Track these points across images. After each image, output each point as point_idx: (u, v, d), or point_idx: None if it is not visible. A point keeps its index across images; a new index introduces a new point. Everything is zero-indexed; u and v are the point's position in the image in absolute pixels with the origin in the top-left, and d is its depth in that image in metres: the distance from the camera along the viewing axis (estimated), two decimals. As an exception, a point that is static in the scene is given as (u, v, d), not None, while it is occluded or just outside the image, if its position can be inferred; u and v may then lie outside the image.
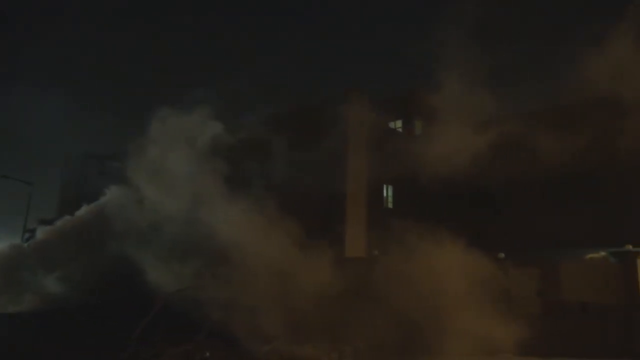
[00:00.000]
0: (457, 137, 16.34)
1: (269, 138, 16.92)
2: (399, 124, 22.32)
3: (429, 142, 17.13)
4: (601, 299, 14.28)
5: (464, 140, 16.26)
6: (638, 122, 15.39)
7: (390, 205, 20.71)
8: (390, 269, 13.79)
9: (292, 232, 13.69)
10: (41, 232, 21.87)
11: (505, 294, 14.51)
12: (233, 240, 13.10)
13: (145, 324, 11.97)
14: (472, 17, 15.65)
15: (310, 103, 19.56)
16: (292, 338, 12.53)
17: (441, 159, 16.22)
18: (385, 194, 20.41)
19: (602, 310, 14.26)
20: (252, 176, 15.66)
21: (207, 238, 13.35)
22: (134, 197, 15.46)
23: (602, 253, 15.16)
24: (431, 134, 17.64)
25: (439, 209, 18.21)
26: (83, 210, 21.13)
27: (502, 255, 15.41)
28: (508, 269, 15.06)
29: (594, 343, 13.88)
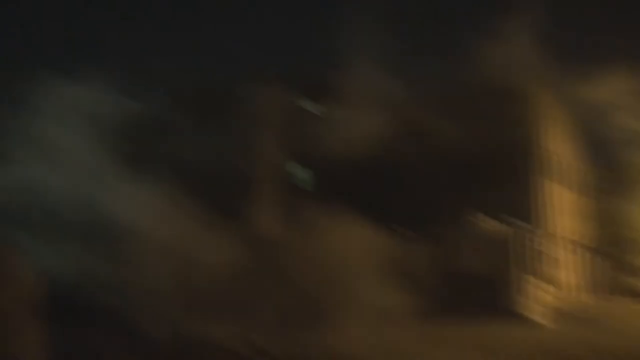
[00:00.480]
0: (365, 118, 17.02)
1: (176, 117, 16.71)
2: (309, 105, 22.76)
3: (339, 123, 17.73)
4: (493, 269, 15.52)
5: (372, 122, 16.96)
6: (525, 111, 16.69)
7: (301, 185, 21.12)
8: (295, 247, 14.18)
9: (196, 213, 13.61)
10: None
11: (404, 266, 15.32)
12: (131, 221, 12.76)
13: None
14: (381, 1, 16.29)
15: (220, 83, 19.45)
16: (196, 320, 12.43)
17: (350, 139, 16.85)
18: (295, 175, 20.77)
19: (493, 278, 15.55)
20: (156, 156, 15.40)
21: (104, 219, 12.95)
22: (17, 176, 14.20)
23: (497, 224, 16.50)
24: (341, 116, 18.22)
25: (347, 187, 18.94)
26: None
27: (401, 228, 16.31)
28: (409, 242, 15.95)
29: (485, 308, 15.08)
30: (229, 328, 12.39)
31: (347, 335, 12.26)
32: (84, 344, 11.12)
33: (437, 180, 18.54)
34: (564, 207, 19.93)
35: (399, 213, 17.76)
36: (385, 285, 14.20)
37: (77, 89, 13.92)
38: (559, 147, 20.04)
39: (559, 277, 17.90)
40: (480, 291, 15.40)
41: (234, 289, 13.18)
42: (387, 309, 13.94)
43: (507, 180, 18.11)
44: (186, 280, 13.13)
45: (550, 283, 16.61)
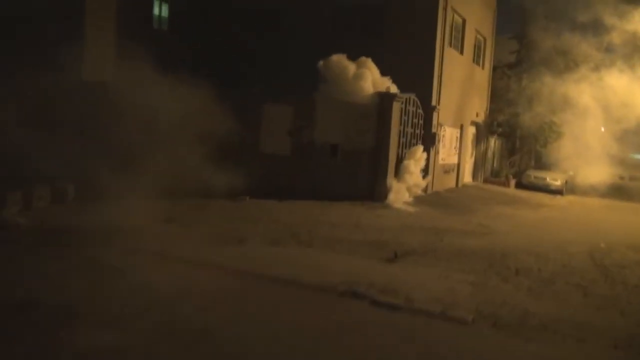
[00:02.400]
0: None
1: None
2: None
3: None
4: (354, 141, 14.88)
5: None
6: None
7: (163, 26, 19.53)
8: (121, 97, 12.50)
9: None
10: None
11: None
12: None
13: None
14: None
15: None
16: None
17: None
18: (156, 12, 19.04)
19: (353, 152, 14.89)
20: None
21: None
22: None
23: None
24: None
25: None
26: None
27: (254, 89, 15.30)
28: (262, 106, 14.94)
29: (343, 187, 14.71)
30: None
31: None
32: None
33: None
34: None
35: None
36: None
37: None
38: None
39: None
40: (341, 170, 14.76)
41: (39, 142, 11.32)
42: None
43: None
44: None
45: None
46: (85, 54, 15.27)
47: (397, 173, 15.59)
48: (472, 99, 22.57)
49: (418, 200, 15.95)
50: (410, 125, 16.81)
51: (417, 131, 17.32)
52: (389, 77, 15.80)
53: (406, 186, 15.71)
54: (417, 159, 16.16)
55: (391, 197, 14.79)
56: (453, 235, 11.74)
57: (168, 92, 12.50)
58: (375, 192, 14.93)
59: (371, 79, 15.26)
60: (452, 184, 21.12)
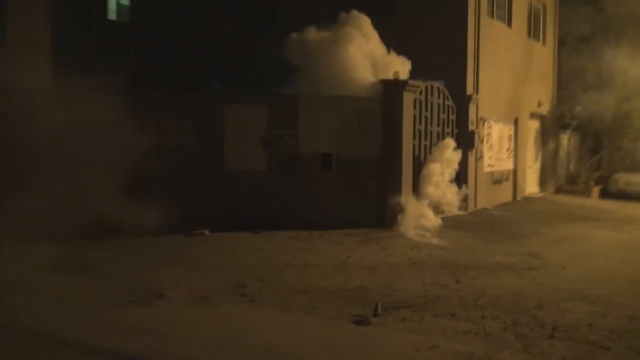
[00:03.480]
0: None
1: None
2: None
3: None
4: (354, 148, 13.31)
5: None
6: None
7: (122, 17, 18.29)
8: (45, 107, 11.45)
9: None
10: None
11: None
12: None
13: None
14: None
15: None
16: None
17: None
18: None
19: (353, 163, 13.32)
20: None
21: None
22: None
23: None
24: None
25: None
26: None
27: (215, 84, 13.88)
28: (222, 108, 13.34)
29: (341, 211, 13.03)
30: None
31: None
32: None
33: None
34: None
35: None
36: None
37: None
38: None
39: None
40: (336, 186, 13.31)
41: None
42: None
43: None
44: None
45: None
46: (9, 55, 14.26)
47: (416, 186, 13.69)
48: (530, 84, 20.37)
49: (449, 223, 13.97)
50: (436, 122, 14.90)
51: (447, 130, 15.38)
52: (402, 57, 14.07)
53: (430, 204, 13.77)
54: (445, 161, 14.18)
55: (405, 221, 12.88)
56: (478, 273, 9.77)
57: (102, 100, 11.33)
58: (386, 217, 13.07)
59: (368, 51, 13.53)
60: (507, 197, 18.93)
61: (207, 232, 12.26)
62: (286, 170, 13.36)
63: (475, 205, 16.60)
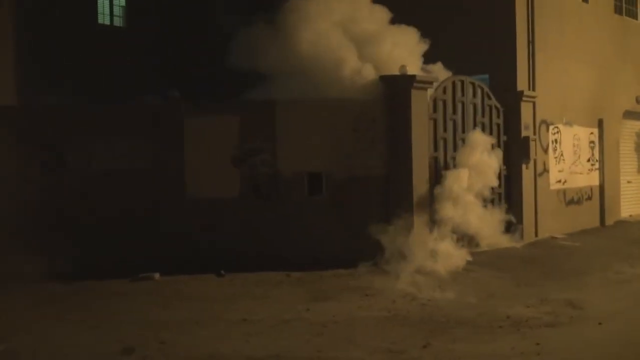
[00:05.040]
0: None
1: None
2: None
3: None
4: (350, 165, 12.05)
5: None
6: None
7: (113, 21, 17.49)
8: None
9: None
10: None
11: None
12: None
13: None
14: None
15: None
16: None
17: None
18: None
19: (350, 184, 12.05)
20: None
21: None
22: None
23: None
24: None
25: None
26: None
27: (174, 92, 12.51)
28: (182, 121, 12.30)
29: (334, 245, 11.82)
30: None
31: None
32: None
33: None
34: None
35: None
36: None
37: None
38: None
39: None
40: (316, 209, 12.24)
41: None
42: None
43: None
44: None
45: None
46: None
47: (432, 210, 12.07)
48: (622, 75, 18.05)
49: (484, 259, 12.28)
50: (471, 127, 13.22)
51: (493, 137, 13.62)
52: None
53: (455, 233, 12.11)
54: (474, 168, 12.41)
55: (410, 259, 11.28)
56: (466, 333, 8.14)
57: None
58: (388, 251, 11.54)
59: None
60: (591, 221, 16.72)
61: (157, 276, 11.28)
62: (263, 195, 12.15)
63: (536, 234, 14.62)
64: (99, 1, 17.73)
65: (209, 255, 11.85)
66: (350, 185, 12.01)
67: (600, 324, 8.49)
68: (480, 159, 12.54)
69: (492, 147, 13.02)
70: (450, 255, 11.72)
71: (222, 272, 11.39)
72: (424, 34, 13.15)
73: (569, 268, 12.25)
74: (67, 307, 9.64)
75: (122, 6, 18.16)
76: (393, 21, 13.06)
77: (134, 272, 11.27)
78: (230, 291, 10.47)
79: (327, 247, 11.74)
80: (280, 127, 12.11)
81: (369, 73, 12.18)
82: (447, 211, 11.92)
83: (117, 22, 18.32)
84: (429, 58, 13.25)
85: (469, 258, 11.99)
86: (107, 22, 18.01)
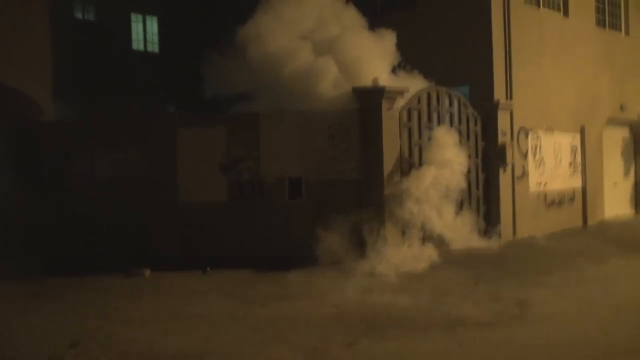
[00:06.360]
0: None
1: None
2: None
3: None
4: (327, 171, 11.35)
5: None
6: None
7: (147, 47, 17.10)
8: None
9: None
10: None
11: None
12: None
13: None
14: None
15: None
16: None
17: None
18: (139, 30, 16.70)
19: (327, 187, 11.32)
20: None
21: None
22: None
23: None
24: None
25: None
26: None
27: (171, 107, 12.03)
28: (175, 131, 11.65)
29: (314, 244, 10.75)
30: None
31: None
32: None
33: None
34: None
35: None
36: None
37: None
38: None
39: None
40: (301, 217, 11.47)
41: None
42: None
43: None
44: None
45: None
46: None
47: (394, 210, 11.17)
48: (605, 84, 16.71)
49: (454, 258, 11.31)
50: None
51: (471, 144, 12.67)
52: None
53: (425, 233, 11.21)
54: (439, 166, 11.41)
55: (376, 255, 10.46)
56: (399, 332, 7.30)
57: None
58: (364, 251, 10.74)
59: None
60: (573, 221, 15.46)
61: (147, 272, 10.77)
62: (247, 198, 11.51)
63: (514, 234, 13.54)
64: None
65: (200, 254, 11.32)
66: (327, 189, 11.29)
67: (534, 323, 7.54)
68: (447, 156, 11.55)
69: (460, 143, 12.02)
70: (418, 255, 10.85)
71: (208, 269, 10.84)
72: (408, 49, 12.40)
73: (534, 267, 11.16)
74: (50, 299, 9.21)
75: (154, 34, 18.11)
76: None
77: (128, 270, 10.86)
78: (205, 287, 9.85)
79: (305, 246, 10.98)
80: (264, 137, 11.48)
81: (343, 84, 11.42)
82: (411, 208, 11.00)
83: (150, 48, 18.24)
84: (410, 71, 12.47)
85: (438, 258, 11.06)
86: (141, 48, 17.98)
